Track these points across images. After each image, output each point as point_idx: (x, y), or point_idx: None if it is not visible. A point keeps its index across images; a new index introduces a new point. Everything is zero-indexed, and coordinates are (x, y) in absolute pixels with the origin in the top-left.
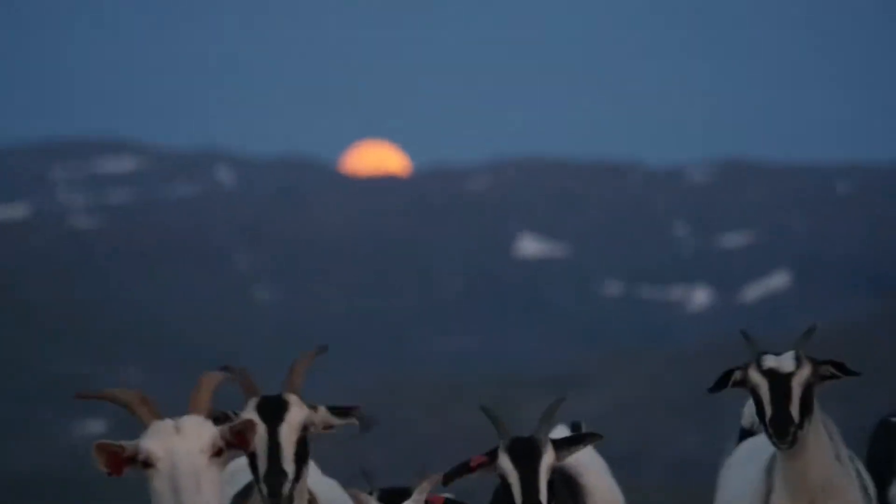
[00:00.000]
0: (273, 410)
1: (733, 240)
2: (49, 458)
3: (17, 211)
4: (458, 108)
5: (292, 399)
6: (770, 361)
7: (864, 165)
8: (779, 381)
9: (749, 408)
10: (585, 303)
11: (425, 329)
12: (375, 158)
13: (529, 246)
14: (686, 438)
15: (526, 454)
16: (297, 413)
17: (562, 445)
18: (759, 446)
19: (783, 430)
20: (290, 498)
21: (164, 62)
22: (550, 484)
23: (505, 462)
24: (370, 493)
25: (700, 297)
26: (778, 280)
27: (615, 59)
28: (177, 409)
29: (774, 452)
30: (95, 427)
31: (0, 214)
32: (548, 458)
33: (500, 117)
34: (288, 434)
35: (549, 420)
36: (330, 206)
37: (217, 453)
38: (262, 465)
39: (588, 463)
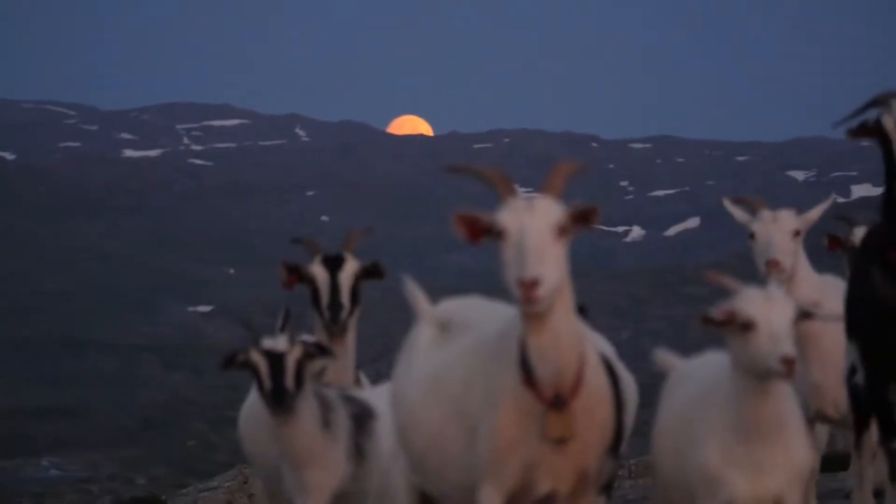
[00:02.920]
0: (333, 262)
1: (662, 193)
2: (164, 330)
3: (153, 152)
4: (468, 90)
5: (348, 255)
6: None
7: (759, 142)
8: None
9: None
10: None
11: (440, 249)
12: (410, 125)
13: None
14: (620, 334)
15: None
16: (351, 264)
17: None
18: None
19: None
20: (345, 326)
21: (260, 52)
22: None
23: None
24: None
25: (636, 233)
26: (691, 224)
27: (584, 60)
28: (260, 299)
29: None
30: (202, 309)
31: (141, 154)
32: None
33: (497, 98)
34: (345, 279)
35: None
36: (377, 158)
37: (562, 232)
38: (325, 299)
39: (610, 351)
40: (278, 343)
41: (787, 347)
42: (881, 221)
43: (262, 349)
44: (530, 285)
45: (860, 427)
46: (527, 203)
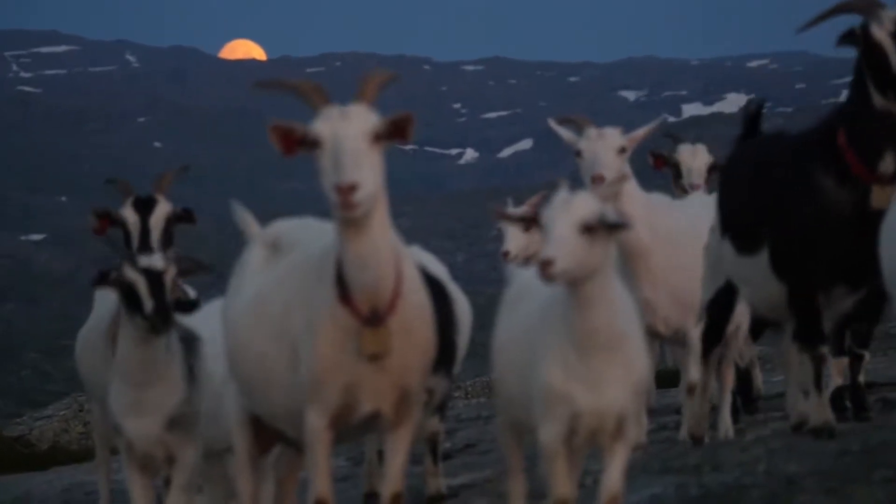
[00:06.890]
0: (144, 205)
1: (494, 115)
2: None
3: None
4: (301, 14)
5: (160, 197)
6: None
7: (591, 62)
8: None
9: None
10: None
11: (274, 174)
12: (243, 50)
13: None
14: (455, 257)
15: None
16: (162, 207)
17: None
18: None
19: None
20: None
21: None
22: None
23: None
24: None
25: (469, 155)
26: (524, 145)
27: None
28: (92, 226)
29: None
30: (33, 237)
31: None
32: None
33: (330, 22)
34: (156, 222)
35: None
36: (209, 83)
37: (377, 139)
38: (135, 243)
39: (443, 273)
40: (155, 261)
41: (547, 249)
42: (847, 127)
43: (141, 267)
44: (347, 190)
45: (708, 346)
46: (340, 111)
